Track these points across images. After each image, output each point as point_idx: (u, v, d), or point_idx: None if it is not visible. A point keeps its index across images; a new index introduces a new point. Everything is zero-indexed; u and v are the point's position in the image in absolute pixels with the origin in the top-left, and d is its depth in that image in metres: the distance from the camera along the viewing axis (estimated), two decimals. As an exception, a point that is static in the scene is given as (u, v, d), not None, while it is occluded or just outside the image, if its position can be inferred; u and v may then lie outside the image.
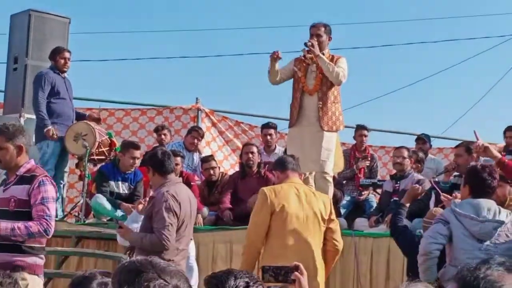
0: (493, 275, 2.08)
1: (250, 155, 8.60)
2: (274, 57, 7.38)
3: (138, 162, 8.47)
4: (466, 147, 7.70)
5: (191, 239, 6.22)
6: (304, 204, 5.30)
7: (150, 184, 6.57)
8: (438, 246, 4.98)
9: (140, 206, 6.36)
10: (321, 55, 7.28)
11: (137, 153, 8.43)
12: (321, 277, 5.37)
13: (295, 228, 5.24)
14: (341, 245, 5.57)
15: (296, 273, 2.92)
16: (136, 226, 6.04)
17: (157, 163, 5.81)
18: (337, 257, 5.61)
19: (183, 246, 5.74)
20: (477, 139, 5.73)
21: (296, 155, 6.01)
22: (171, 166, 5.83)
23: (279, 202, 5.25)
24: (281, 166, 5.55)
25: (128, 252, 6.18)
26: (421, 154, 8.76)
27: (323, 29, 7.46)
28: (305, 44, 7.30)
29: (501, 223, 4.96)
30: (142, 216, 6.01)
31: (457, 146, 8.24)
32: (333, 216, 5.48)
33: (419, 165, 8.80)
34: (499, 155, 5.52)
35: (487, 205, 5.03)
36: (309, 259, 5.19)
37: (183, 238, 5.72)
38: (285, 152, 8.20)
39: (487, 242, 4.94)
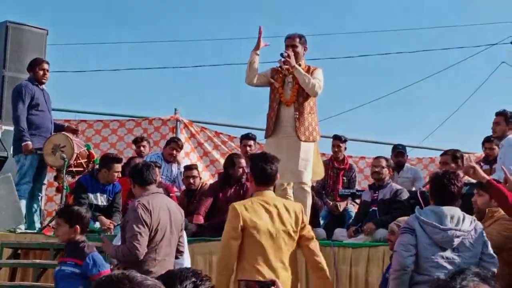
0: (469, 286, 2.10)
1: (240, 170, 8.49)
2: (260, 34, 7.42)
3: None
4: (452, 155, 7.77)
5: (182, 251, 6.20)
6: (275, 219, 5.21)
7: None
8: (413, 259, 4.95)
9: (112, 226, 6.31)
10: (297, 66, 7.31)
11: (120, 167, 8.43)
12: None
13: (266, 244, 5.15)
14: (316, 245, 5.45)
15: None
16: None
17: (137, 174, 5.85)
18: (321, 259, 5.42)
19: (162, 256, 5.71)
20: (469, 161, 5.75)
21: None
22: (151, 177, 5.84)
23: (251, 219, 5.17)
24: (258, 178, 5.41)
25: (116, 265, 6.17)
26: (391, 162, 8.75)
27: (298, 39, 7.50)
28: (281, 54, 7.33)
29: (464, 231, 4.96)
30: None
31: (442, 154, 8.28)
32: (306, 224, 5.37)
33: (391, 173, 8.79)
34: (486, 177, 5.52)
35: (450, 212, 5.01)
36: (280, 274, 5.10)
37: (161, 249, 5.70)
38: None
39: (450, 250, 4.92)
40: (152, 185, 5.87)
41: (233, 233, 5.17)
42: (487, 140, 9.23)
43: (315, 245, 5.43)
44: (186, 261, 6.42)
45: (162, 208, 5.73)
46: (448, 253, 4.93)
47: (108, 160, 8.40)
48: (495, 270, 5.00)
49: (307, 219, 5.49)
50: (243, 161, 8.67)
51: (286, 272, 5.18)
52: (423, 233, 4.96)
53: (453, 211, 5.04)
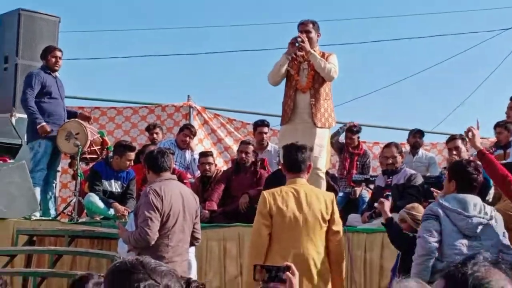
0: (481, 271, 2.09)
1: (244, 155, 8.66)
2: (293, 43, 7.31)
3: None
4: (461, 138, 7.74)
5: (198, 238, 6.23)
6: (303, 207, 5.26)
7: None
8: (437, 245, 4.95)
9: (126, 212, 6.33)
10: (312, 51, 7.29)
11: (133, 155, 8.47)
12: (324, 281, 5.27)
13: (294, 232, 5.21)
14: (341, 246, 5.44)
15: (288, 273, 2.91)
16: None
17: (151, 161, 5.89)
18: (342, 258, 5.44)
19: (175, 242, 5.72)
20: (477, 127, 5.67)
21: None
22: (166, 164, 5.86)
23: (278, 206, 5.23)
24: (289, 167, 5.47)
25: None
26: (401, 147, 8.73)
27: (311, 25, 7.47)
28: (295, 39, 7.29)
29: (487, 219, 4.95)
30: None
31: (450, 140, 8.24)
32: (336, 216, 5.38)
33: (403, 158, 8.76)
34: (480, 147, 5.49)
35: (473, 200, 5.02)
36: (310, 262, 5.18)
37: (174, 235, 5.71)
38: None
39: (473, 238, 4.93)
40: (167, 172, 5.88)
41: (262, 219, 5.24)
42: (497, 125, 9.20)
43: (339, 241, 5.40)
44: (190, 249, 6.45)
45: (175, 194, 5.74)
46: (471, 241, 4.93)
47: (121, 147, 8.44)
48: None
49: (337, 211, 5.46)
50: (248, 147, 8.70)
51: (316, 258, 5.22)
52: (448, 220, 4.95)
53: (475, 199, 5.05)
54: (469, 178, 5.09)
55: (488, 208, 5.05)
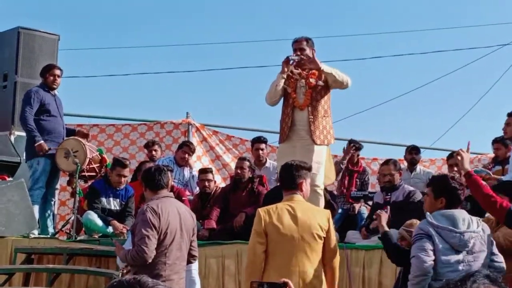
0: None
1: (239, 171, 8.67)
2: (288, 61, 7.34)
3: (125, 179, 8.53)
4: None
5: (195, 255, 6.26)
6: (299, 224, 5.24)
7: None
8: (433, 264, 4.92)
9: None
10: (322, 66, 7.27)
11: (124, 171, 8.46)
12: None
13: (289, 249, 5.19)
14: (336, 262, 5.41)
15: None
16: None
17: (149, 178, 5.88)
18: (336, 273, 5.45)
19: (172, 260, 5.69)
20: (467, 149, 5.72)
21: None
22: (163, 182, 5.85)
23: (273, 223, 5.22)
24: (285, 184, 5.48)
25: (124, 268, 6.19)
26: (399, 164, 8.74)
27: (305, 42, 7.47)
28: (288, 58, 7.31)
29: (476, 232, 4.94)
30: None
31: (450, 157, 8.27)
32: (331, 234, 5.34)
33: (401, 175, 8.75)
34: (468, 169, 5.52)
35: (461, 215, 5.01)
36: (304, 278, 5.15)
37: (171, 253, 5.68)
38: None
39: (465, 253, 4.90)
40: (164, 189, 5.87)
41: (257, 237, 5.23)
42: (495, 141, 9.24)
43: (334, 258, 5.37)
44: (195, 263, 6.43)
45: (172, 212, 5.73)
46: (463, 257, 4.91)
47: (113, 162, 8.54)
48: (504, 266, 5.03)
49: (333, 228, 5.44)
50: (244, 163, 8.72)
51: (312, 275, 5.19)
52: (440, 238, 4.93)
53: (463, 214, 5.05)
54: (457, 194, 5.12)
55: (475, 220, 5.04)
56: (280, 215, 5.26)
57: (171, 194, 6.11)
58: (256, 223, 5.31)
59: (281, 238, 5.20)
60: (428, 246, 4.93)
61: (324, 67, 7.30)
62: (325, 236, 5.30)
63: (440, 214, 5.03)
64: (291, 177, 5.43)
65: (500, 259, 5.08)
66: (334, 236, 5.42)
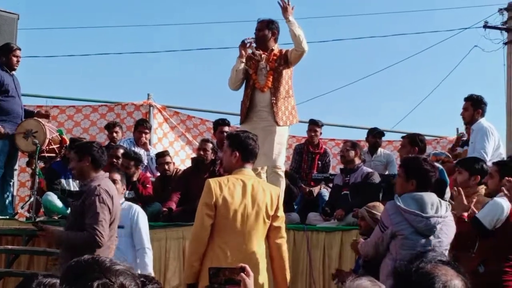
0: (426, 268, 2.13)
1: (202, 152, 8.68)
2: (245, 44, 7.35)
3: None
4: (411, 139, 7.59)
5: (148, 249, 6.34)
6: (248, 200, 5.07)
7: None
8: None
9: None
10: (291, 18, 7.23)
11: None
12: (263, 277, 5.10)
13: (237, 225, 5.01)
14: (284, 242, 5.27)
15: (242, 274, 2.95)
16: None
17: (95, 155, 5.58)
18: (285, 253, 5.26)
19: (115, 244, 5.60)
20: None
21: None
22: (105, 162, 5.72)
23: (224, 197, 5.02)
24: (244, 154, 5.20)
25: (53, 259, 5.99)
26: (360, 145, 8.75)
27: (265, 24, 7.48)
28: (245, 41, 7.34)
29: (443, 217, 4.94)
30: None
31: (403, 137, 8.22)
32: (280, 212, 5.22)
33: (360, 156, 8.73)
34: (465, 209, 5.54)
35: (431, 199, 4.97)
36: (250, 258, 4.98)
37: (113, 236, 5.54)
38: None
39: (431, 237, 4.90)
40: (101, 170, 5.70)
41: (206, 209, 5.00)
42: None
43: (280, 237, 5.24)
44: (149, 262, 6.48)
45: (116, 195, 5.61)
46: (429, 241, 4.90)
47: (70, 143, 8.41)
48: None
49: (281, 207, 5.28)
50: (207, 145, 8.75)
51: (258, 255, 5.06)
52: (404, 222, 4.89)
53: (432, 198, 5.00)
54: (429, 176, 5.04)
55: (444, 204, 5.03)
56: (231, 189, 5.06)
57: (107, 174, 5.95)
58: (206, 194, 5.06)
59: (230, 213, 5.01)
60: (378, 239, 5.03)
61: (291, 19, 7.25)
62: (273, 214, 5.17)
63: (409, 197, 4.98)
64: (252, 148, 5.24)
65: None
66: (282, 216, 5.27)
